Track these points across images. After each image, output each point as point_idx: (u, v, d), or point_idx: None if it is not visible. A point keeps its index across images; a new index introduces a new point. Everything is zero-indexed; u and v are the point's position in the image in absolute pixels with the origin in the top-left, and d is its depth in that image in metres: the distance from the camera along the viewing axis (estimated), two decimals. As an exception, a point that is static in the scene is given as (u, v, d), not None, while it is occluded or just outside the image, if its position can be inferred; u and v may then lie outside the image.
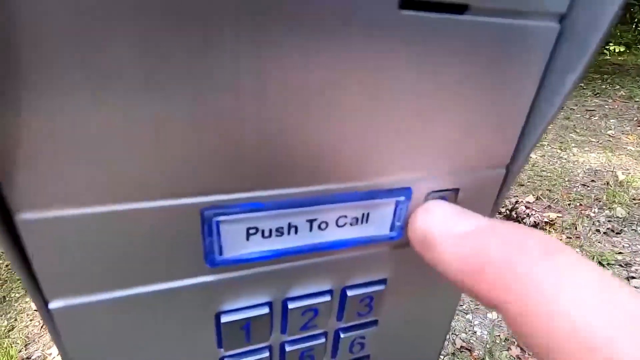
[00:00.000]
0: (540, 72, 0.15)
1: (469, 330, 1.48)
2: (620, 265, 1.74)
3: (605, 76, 5.40)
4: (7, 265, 2.08)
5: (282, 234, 0.16)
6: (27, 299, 1.84)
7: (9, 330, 1.68)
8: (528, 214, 2.05)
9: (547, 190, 2.43)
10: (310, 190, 0.15)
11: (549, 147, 3.08)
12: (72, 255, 0.13)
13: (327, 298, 0.18)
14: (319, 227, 0.16)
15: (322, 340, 0.20)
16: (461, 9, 0.13)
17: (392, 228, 0.18)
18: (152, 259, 0.14)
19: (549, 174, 2.64)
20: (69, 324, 0.15)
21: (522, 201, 2.19)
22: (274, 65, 0.12)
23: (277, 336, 0.19)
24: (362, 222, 0.17)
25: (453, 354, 1.39)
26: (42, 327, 1.69)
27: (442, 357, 1.38)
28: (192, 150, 0.13)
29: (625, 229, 1.99)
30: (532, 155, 2.95)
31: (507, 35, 0.14)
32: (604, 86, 4.87)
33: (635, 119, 3.57)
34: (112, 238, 0.13)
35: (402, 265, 0.19)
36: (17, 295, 1.89)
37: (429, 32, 0.13)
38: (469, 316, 1.55)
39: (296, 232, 0.16)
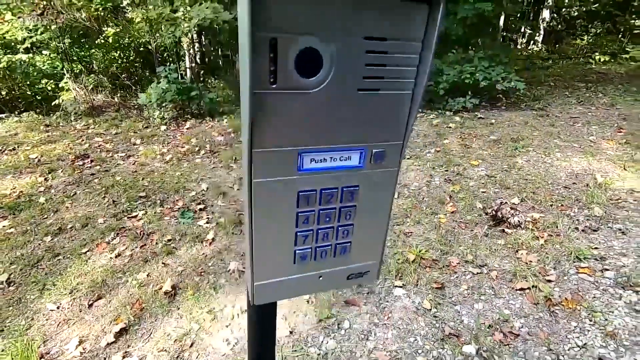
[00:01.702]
0: (410, 100, 0.43)
1: (457, 319, 1.61)
2: (596, 259, 1.88)
3: (590, 85, 5.60)
4: (20, 269, 2.19)
5: (321, 161, 0.43)
6: (42, 300, 1.94)
7: (26, 329, 1.78)
8: (512, 214, 2.20)
9: (532, 192, 2.59)
10: (332, 147, 0.43)
11: (534, 153, 3.24)
12: (264, 166, 0.40)
13: (336, 190, 0.46)
14: (333, 159, 0.44)
15: (335, 212, 0.47)
16: (377, 90, 0.41)
17: (359, 162, 0.45)
18: (282, 168, 0.41)
19: (533, 178, 2.80)
20: (258, 193, 0.42)
21: (507, 202, 2.34)
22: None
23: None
24: (348, 159, 0.45)
25: (442, 339, 1.51)
26: (58, 325, 1.79)
27: (432, 342, 1.51)
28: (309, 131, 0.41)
29: (602, 226, 2.14)
30: (519, 160, 3.11)
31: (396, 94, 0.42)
32: (587, 94, 5.07)
33: (616, 125, 3.75)
34: (279, 163, 0.41)
35: (364, 179, 0.47)
36: (32, 296, 1.98)
37: (370, 97, 0.41)
38: (457, 307, 1.68)
39: (325, 161, 0.43)
